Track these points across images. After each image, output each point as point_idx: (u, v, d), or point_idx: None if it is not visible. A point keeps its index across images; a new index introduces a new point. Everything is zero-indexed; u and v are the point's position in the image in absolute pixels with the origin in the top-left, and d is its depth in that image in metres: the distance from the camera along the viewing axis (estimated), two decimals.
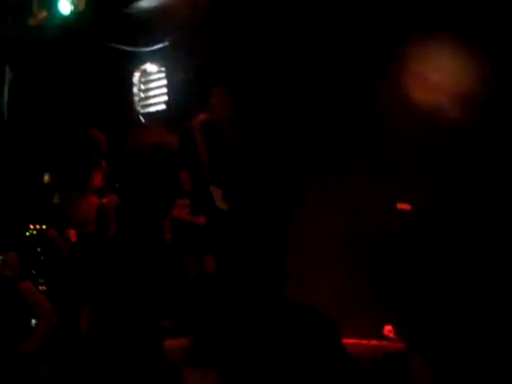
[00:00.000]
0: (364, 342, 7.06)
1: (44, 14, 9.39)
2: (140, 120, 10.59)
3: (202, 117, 5.99)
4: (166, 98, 10.42)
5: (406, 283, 6.81)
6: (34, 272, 10.06)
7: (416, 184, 7.08)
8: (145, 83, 10.91)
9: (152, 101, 10.77)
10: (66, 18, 9.08)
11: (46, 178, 10.95)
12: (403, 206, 7.21)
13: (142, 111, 10.74)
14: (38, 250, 10.30)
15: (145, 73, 10.94)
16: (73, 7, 8.85)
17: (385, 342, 6.94)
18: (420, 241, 6.83)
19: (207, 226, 8.07)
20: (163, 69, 10.55)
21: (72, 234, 8.91)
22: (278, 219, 6.09)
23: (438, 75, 7.09)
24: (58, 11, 8.97)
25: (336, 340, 3.96)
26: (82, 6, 8.81)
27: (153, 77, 10.84)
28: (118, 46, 10.20)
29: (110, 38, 9.99)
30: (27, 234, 10.27)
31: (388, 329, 7.02)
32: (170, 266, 7.78)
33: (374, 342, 7.01)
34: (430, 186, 7.02)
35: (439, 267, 6.63)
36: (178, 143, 7.15)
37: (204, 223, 8.38)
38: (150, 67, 10.80)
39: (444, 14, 6.99)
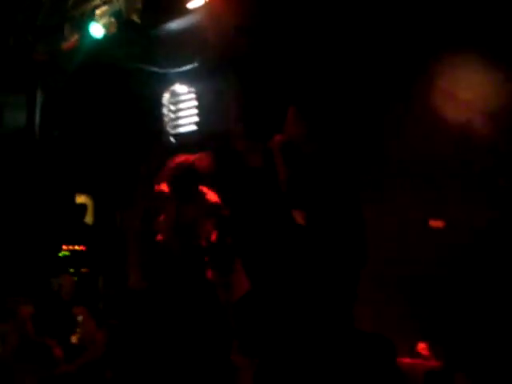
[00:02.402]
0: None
1: (75, 37, 9.46)
2: (170, 141, 10.66)
3: (280, 138, 6.00)
4: (196, 118, 10.49)
5: (440, 301, 6.81)
6: None
7: (449, 202, 7.08)
8: (174, 104, 10.98)
9: (182, 121, 10.83)
10: (97, 41, 9.15)
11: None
12: (436, 224, 7.20)
13: (172, 132, 10.80)
14: (71, 270, 10.38)
15: (174, 94, 11.01)
16: (104, 30, 8.92)
17: (419, 360, 6.92)
18: (453, 258, 6.83)
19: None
20: (193, 89, 10.62)
21: None
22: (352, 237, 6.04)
23: (468, 93, 7.10)
24: (90, 34, 9.04)
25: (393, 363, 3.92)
26: (113, 29, 8.87)
27: (182, 98, 10.90)
28: (147, 68, 10.28)
29: (139, 59, 10.07)
30: (60, 255, 10.35)
31: (422, 346, 7.00)
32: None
33: (407, 360, 6.99)
34: (463, 204, 7.02)
35: (473, 284, 6.63)
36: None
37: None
38: (180, 88, 10.87)
39: (475, 31, 7.00)
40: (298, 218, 6.07)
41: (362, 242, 5.86)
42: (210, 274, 7.59)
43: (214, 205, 7.72)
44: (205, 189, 7.57)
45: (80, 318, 6.92)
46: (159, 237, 7.21)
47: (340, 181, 6.01)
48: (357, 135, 7.75)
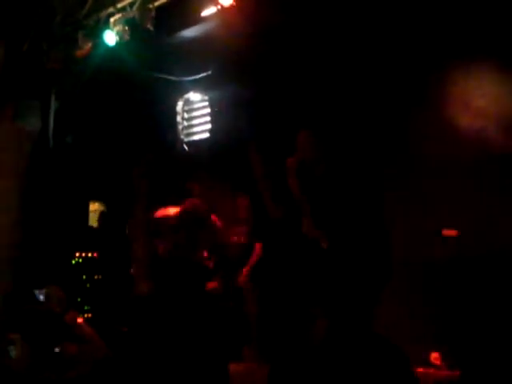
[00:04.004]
0: None
1: (89, 45, 9.49)
2: (184, 148, 10.69)
3: (293, 160, 6.01)
4: (209, 126, 10.51)
5: (454, 310, 6.77)
6: (79, 300, 10.15)
7: (462, 210, 7.04)
8: (188, 112, 11.01)
9: (196, 129, 10.85)
10: (110, 49, 9.17)
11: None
12: (449, 233, 7.17)
13: (186, 140, 10.83)
14: (84, 277, 10.39)
15: (188, 102, 11.03)
16: (118, 38, 8.94)
17: (431, 370, 6.88)
18: (468, 267, 6.79)
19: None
20: (206, 97, 10.63)
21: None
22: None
23: (482, 100, 7.07)
24: (103, 42, 9.07)
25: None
26: (127, 37, 8.88)
27: (196, 105, 10.93)
28: (161, 76, 10.30)
29: (153, 67, 10.09)
30: (73, 262, 10.36)
31: (434, 356, 6.96)
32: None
33: (420, 370, 6.95)
34: (476, 212, 6.98)
35: (488, 294, 6.58)
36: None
37: (260, 251, 8.46)
38: (193, 96, 10.90)
39: (488, 39, 6.98)
40: (309, 225, 6.07)
41: (386, 258, 5.85)
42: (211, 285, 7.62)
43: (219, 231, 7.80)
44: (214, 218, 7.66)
45: (75, 322, 6.90)
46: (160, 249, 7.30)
47: (356, 200, 6.00)
48: (369, 147, 7.75)
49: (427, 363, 6.94)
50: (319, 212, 5.91)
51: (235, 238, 8.68)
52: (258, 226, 8.42)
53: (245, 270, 8.42)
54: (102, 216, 10.94)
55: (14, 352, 7.30)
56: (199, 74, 10.24)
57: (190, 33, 9.42)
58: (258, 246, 8.52)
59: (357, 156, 7.18)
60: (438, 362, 6.90)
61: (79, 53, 9.71)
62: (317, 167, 5.98)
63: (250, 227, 8.64)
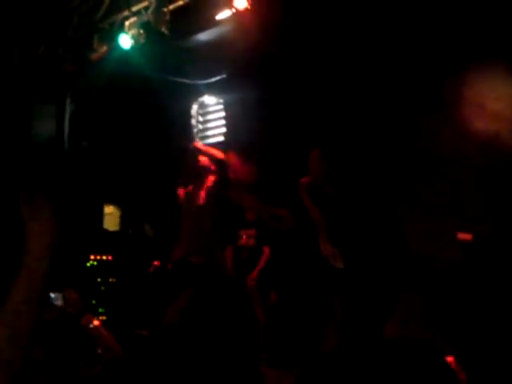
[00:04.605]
0: None
1: (104, 48, 9.52)
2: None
3: (305, 180, 5.99)
4: (224, 129, 10.51)
5: (467, 314, 6.74)
6: (94, 302, 10.18)
7: (476, 213, 7.01)
8: (203, 115, 11.01)
9: (210, 132, 10.86)
10: (126, 52, 9.19)
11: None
12: (464, 236, 7.14)
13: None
14: (99, 280, 10.42)
15: (203, 105, 11.04)
16: (133, 41, 8.96)
17: None
18: (481, 271, 6.76)
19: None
20: (221, 101, 10.64)
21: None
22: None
23: (496, 103, 7.05)
24: (119, 45, 9.09)
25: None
26: (141, 41, 8.91)
27: (211, 109, 10.93)
28: (175, 79, 10.31)
29: (168, 70, 10.10)
30: (88, 264, 10.39)
31: (449, 360, 6.92)
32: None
33: None
34: (491, 216, 6.95)
35: (503, 298, 6.55)
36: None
37: (269, 254, 8.42)
38: (208, 99, 10.90)
39: (503, 42, 6.95)
40: (333, 254, 6.05)
41: (404, 269, 5.81)
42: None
43: None
44: None
45: (91, 325, 6.90)
46: None
47: (371, 216, 5.97)
48: (381, 148, 7.74)
49: None
50: (335, 231, 5.89)
51: (244, 240, 8.65)
52: (267, 228, 8.40)
53: (252, 276, 8.36)
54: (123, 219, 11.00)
55: None
56: (214, 77, 10.25)
57: (204, 36, 9.44)
58: (266, 250, 8.47)
59: (368, 162, 7.18)
60: (452, 367, 6.86)
61: (94, 56, 9.75)
62: (326, 186, 5.96)
63: (259, 230, 8.59)
